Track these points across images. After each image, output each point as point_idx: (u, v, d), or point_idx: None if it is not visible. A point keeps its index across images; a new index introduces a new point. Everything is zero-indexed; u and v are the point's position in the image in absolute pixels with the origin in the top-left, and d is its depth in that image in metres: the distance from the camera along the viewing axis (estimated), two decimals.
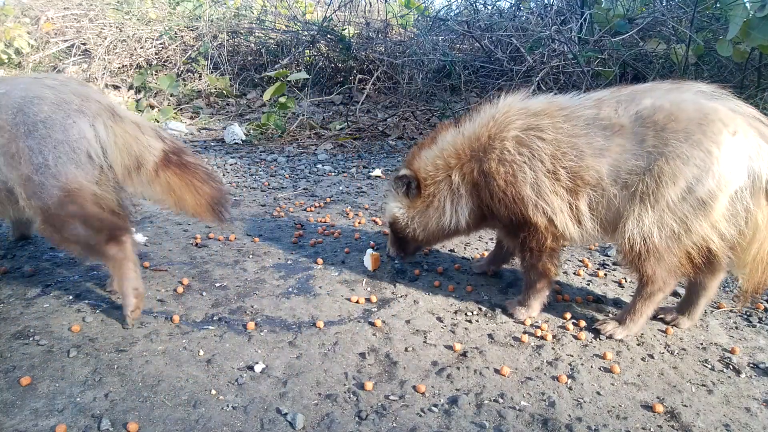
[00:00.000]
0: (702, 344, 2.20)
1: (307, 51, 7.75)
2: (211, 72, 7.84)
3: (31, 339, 2.10)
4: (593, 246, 3.19)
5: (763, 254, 1.97)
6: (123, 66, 7.81)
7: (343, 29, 7.85)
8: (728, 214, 1.94)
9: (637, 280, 2.17)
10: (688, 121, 1.93)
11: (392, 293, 2.58)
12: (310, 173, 4.76)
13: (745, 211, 1.92)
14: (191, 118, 6.99)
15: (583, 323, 2.31)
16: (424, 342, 2.17)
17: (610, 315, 2.39)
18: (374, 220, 3.57)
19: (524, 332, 2.25)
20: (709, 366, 2.06)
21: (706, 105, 1.96)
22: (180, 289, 2.52)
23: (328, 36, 7.72)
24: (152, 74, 7.77)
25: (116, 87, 7.70)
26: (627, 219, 2.03)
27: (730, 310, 2.49)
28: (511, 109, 2.27)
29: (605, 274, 2.84)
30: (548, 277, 2.31)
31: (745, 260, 2.02)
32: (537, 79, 5.36)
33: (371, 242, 3.17)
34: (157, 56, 8.00)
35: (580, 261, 3.01)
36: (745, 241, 1.98)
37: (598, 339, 2.21)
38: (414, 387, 1.88)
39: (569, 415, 1.77)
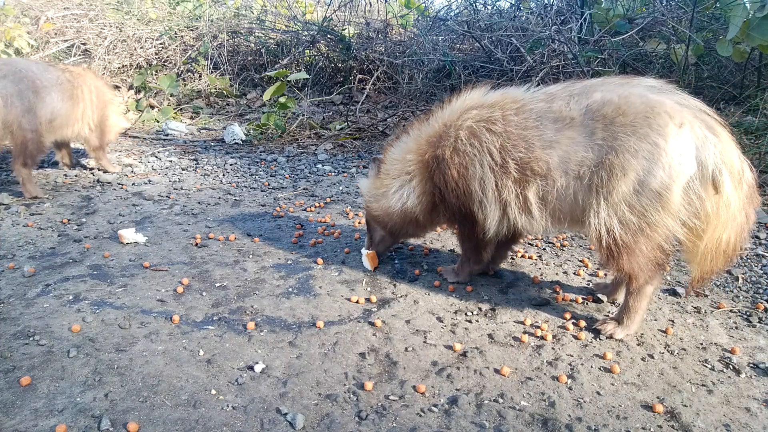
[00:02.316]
0: (702, 344, 2.20)
1: (307, 51, 7.75)
2: (211, 72, 7.85)
3: (31, 339, 2.10)
4: (593, 246, 3.19)
5: (712, 244, 2.01)
6: (123, 66, 7.81)
7: (343, 29, 7.85)
8: (685, 203, 1.96)
9: (622, 279, 2.19)
10: (635, 114, 1.96)
11: (392, 293, 2.58)
12: (310, 173, 4.76)
13: (698, 199, 1.95)
14: (191, 118, 6.99)
15: (583, 323, 2.31)
16: (424, 342, 2.17)
17: (610, 315, 2.39)
18: None
19: (524, 332, 2.25)
20: (709, 366, 2.05)
21: (652, 98, 1.99)
22: (180, 289, 2.52)
23: (328, 36, 7.72)
24: (152, 74, 7.77)
25: (116, 87, 7.69)
26: (589, 212, 2.07)
27: (730, 310, 2.49)
28: (469, 101, 2.38)
29: (605, 274, 2.84)
30: (481, 258, 2.60)
31: (696, 251, 2.06)
32: (537, 79, 5.36)
33: None
34: (157, 56, 7.99)
35: (580, 261, 3.01)
36: (700, 230, 2.01)
37: (598, 339, 2.21)
38: (414, 387, 1.88)
39: (569, 415, 1.77)
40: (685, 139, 1.92)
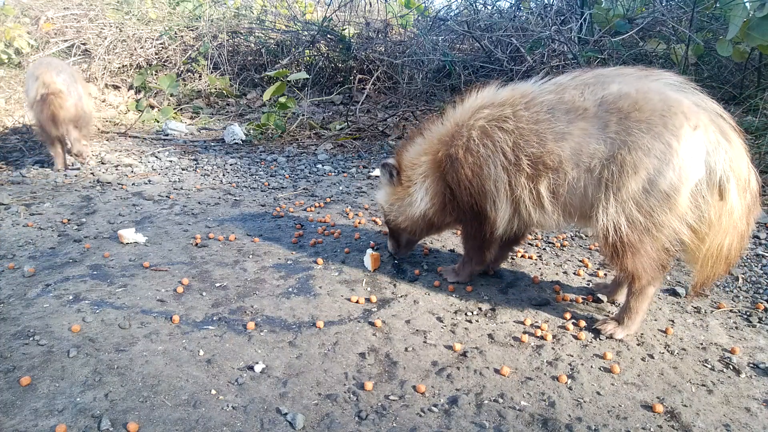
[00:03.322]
0: (702, 344, 2.20)
1: (307, 51, 7.75)
2: (211, 72, 7.85)
3: (31, 339, 2.10)
4: (593, 246, 3.19)
5: (713, 249, 2.02)
6: (123, 66, 7.81)
7: (343, 29, 7.85)
8: (693, 207, 1.95)
9: (625, 279, 2.19)
10: (651, 111, 1.94)
11: (392, 293, 2.58)
12: (310, 173, 4.76)
13: (704, 204, 1.95)
14: (191, 118, 6.99)
15: (583, 323, 2.31)
16: (424, 342, 2.17)
17: (610, 315, 2.39)
18: (374, 220, 3.57)
19: (524, 332, 2.25)
20: (709, 366, 2.05)
21: (670, 96, 1.97)
22: (180, 289, 2.52)
23: (328, 36, 7.72)
24: (152, 74, 7.77)
25: (116, 87, 7.70)
26: (597, 207, 2.05)
27: (730, 310, 2.49)
28: (481, 99, 2.36)
29: (605, 274, 2.84)
30: (484, 258, 2.59)
31: (698, 255, 2.06)
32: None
33: (371, 242, 3.17)
34: (157, 56, 7.99)
35: (580, 261, 3.01)
36: (704, 234, 2.01)
37: (598, 339, 2.21)
38: (414, 387, 1.88)
39: (569, 415, 1.77)
40: (697, 143, 1.90)
